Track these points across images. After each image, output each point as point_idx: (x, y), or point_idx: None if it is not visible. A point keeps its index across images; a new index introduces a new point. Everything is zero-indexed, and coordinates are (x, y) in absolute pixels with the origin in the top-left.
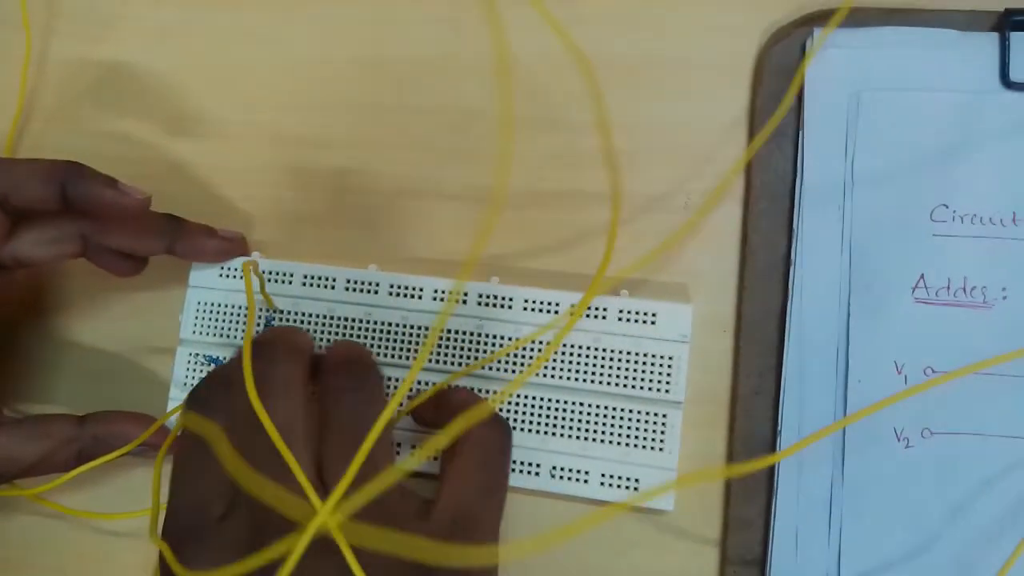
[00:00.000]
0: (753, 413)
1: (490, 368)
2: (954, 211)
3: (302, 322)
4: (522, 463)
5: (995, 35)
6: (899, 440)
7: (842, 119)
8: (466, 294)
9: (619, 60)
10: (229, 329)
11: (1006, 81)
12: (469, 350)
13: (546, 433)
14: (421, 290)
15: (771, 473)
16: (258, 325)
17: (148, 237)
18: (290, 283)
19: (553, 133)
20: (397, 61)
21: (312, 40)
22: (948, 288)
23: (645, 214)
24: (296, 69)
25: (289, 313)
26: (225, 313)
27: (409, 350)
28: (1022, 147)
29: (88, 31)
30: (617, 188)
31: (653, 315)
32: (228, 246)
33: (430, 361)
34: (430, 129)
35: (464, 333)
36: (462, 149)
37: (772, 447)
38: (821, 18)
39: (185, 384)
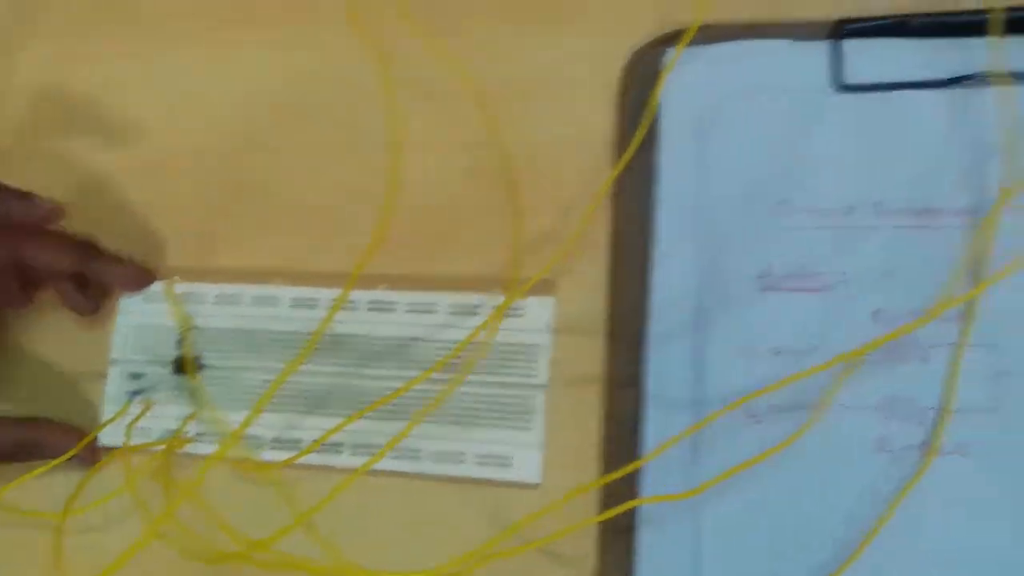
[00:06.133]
0: (624, 400)
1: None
2: (795, 205)
3: (217, 337)
4: (405, 449)
5: (829, 43)
6: (749, 417)
7: (693, 127)
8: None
9: (499, 87)
10: (154, 347)
11: (840, 84)
12: (361, 349)
13: (424, 421)
14: (317, 301)
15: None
16: (177, 342)
17: (61, 252)
18: (203, 303)
19: (434, 152)
20: (299, 99)
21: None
22: (792, 275)
23: (525, 221)
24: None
25: (204, 330)
26: (150, 334)
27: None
28: (855, 144)
29: (49, 67)
30: (516, 202)
31: (520, 309)
32: (138, 274)
33: (328, 363)
34: (325, 156)
35: (355, 336)
36: (355, 173)
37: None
38: (676, 38)
39: (116, 399)
